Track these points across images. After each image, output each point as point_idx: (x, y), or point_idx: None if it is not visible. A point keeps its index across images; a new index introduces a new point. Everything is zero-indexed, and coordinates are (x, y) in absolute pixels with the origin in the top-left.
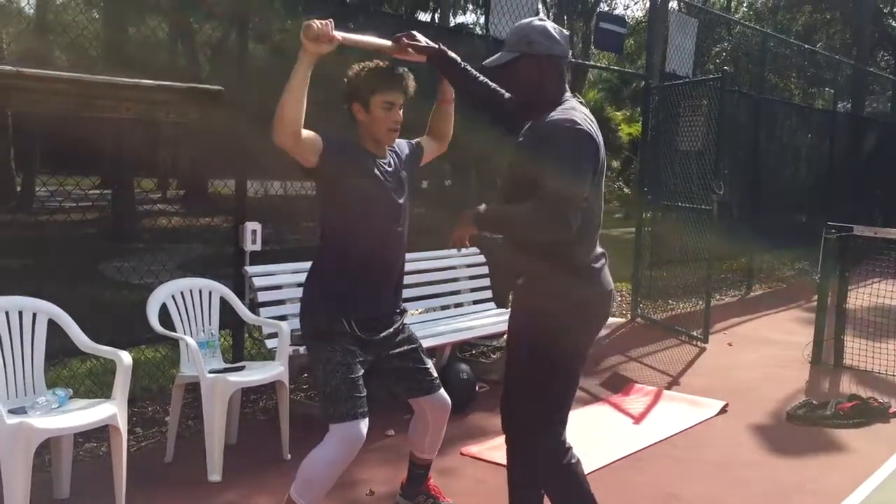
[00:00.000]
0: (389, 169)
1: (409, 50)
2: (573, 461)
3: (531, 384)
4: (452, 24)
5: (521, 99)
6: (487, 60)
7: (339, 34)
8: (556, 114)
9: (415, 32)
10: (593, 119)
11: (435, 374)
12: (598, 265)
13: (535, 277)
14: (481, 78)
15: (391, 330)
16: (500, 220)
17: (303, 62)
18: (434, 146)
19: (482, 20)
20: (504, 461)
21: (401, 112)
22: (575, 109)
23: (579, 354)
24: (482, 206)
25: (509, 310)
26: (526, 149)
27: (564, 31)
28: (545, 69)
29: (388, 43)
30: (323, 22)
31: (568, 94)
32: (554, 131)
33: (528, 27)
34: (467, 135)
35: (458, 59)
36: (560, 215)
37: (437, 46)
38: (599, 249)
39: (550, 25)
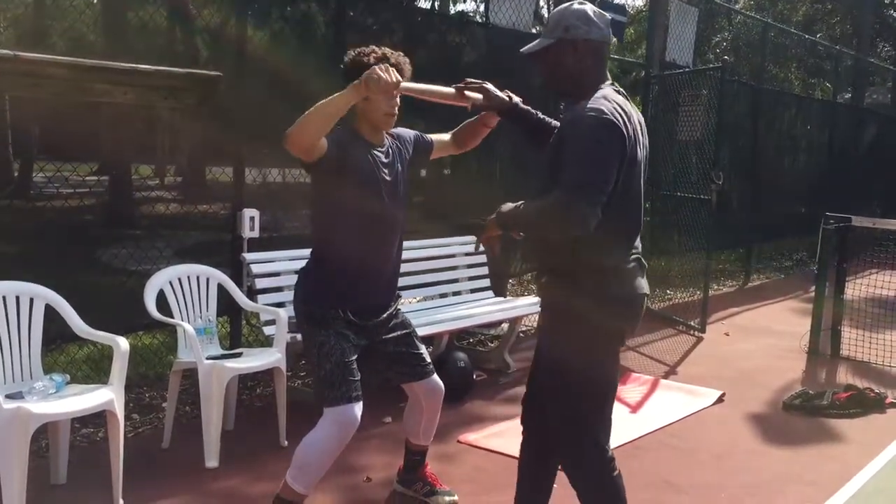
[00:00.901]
0: (385, 160)
1: (476, 103)
2: (615, 473)
3: (565, 388)
4: (452, 11)
5: (558, 86)
6: (525, 48)
7: (401, 85)
8: (587, 102)
9: (488, 86)
10: (628, 109)
11: (428, 360)
12: (629, 266)
13: (558, 276)
14: (554, 124)
15: (385, 315)
16: (518, 217)
17: (349, 96)
18: (450, 148)
19: (482, 8)
20: (501, 449)
21: (398, 98)
22: (606, 98)
23: (609, 355)
24: (504, 206)
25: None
26: (555, 140)
27: (606, 15)
28: (582, 55)
29: (452, 91)
30: (395, 79)
31: (608, 81)
32: (577, 120)
33: (567, 11)
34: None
35: (531, 110)
36: (575, 208)
37: (510, 100)
38: (636, 251)
39: (590, 9)
